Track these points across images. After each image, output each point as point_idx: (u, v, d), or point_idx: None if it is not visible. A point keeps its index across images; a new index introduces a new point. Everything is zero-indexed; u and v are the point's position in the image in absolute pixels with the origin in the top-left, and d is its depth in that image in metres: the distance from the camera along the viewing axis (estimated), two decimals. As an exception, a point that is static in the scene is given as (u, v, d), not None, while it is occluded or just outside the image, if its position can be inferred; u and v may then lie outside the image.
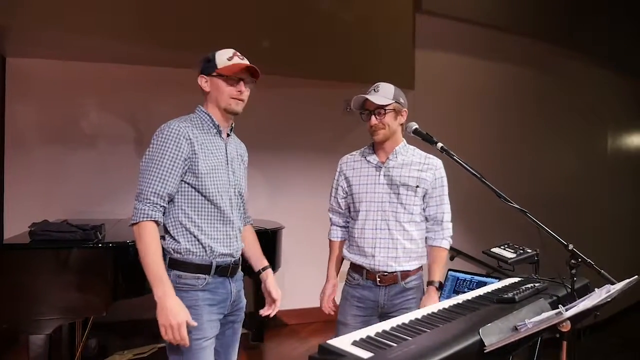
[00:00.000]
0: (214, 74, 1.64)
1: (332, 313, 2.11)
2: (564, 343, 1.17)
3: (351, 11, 3.96)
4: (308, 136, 4.47)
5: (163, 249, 1.56)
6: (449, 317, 1.29)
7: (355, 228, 2.00)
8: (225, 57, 1.64)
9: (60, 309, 2.26)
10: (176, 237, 1.60)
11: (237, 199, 1.73)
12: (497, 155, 4.93)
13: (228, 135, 1.74)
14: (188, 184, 1.60)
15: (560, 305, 1.20)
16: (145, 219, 1.52)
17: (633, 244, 6.15)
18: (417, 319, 1.28)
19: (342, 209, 2.10)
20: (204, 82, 1.66)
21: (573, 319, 1.06)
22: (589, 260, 1.46)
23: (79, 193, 3.74)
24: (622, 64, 6.00)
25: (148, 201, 1.53)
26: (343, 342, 1.08)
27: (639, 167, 6.61)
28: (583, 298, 1.15)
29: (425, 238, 2.03)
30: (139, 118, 3.92)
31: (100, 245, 2.39)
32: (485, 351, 1.08)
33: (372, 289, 1.96)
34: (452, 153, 1.75)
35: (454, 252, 4.37)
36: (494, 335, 1.11)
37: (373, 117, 1.92)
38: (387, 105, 1.91)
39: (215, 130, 1.68)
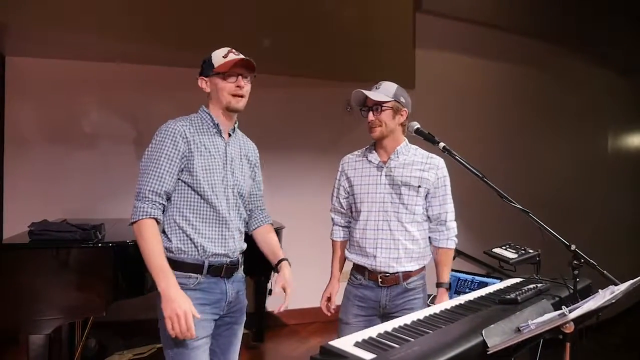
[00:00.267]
0: (212, 73, 1.65)
1: (328, 314, 2.10)
2: (567, 345, 1.16)
3: (352, 11, 3.95)
4: (309, 136, 4.46)
5: None
6: (451, 318, 1.29)
7: (357, 228, 1.99)
8: (220, 56, 1.65)
9: (59, 309, 2.25)
10: (169, 236, 1.61)
11: (236, 199, 1.71)
12: (497, 154, 4.92)
13: (230, 135, 1.72)
14: (184, 182, 1.61)
15: (563, 307, 1.19)
16: (144, 217, 1.53)
17: (633, 244, 6.14)
18: (419, 320, 1.27)
19: (343, 208, 2.09)
20: (204, 83, 1.68)
21: (577, 320, 1.06)
22: (591, 260, 1.46)
23: (78, 192, 3.73)
24: (622, 64, 6.00)
25: (146, 199, 1.54)
26: (345, 343, 1.08)
27: (639, 167, 6.61)
28: (587, 299, 1.14)
29: (430, 239, 2.01)
30: (139, 117, 3.91)
31: (99, 245, 2.38)
32: (488, 352, 1.08)
33: (374, 289, 1.95)
34: (454, 153, 1.74)
35: (454, 253, 4.36)
36: (496, 337, 1.11)
37: (370, 114, 1.92)
38: (384, 103, 1.90)
39: (215, 130, 1.68)
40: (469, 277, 2.25)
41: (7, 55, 3.60)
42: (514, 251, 1.88)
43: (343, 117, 4.43)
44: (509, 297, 1.43)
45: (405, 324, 1.23)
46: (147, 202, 1.54)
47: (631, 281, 1.20)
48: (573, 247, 1.47)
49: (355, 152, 2.09)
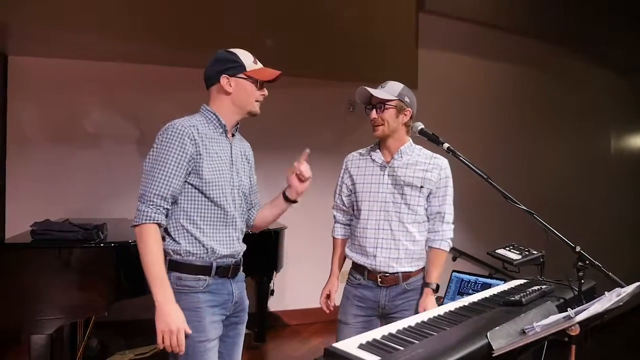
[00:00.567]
0: (242, 75, 1.62)
1: (327, 311, 2.11)
2: (573, 347, 1.15)
3: (354, 11, 3.94)
4: (311, 136, 4.44)
5: (163, 250, 1.55)
6: (455, 320, 1.28)
7: (358, 227, 1.99)
8: (250, 60, 1.64)
9: (61, 309, 2.25)
10: (176, 239, 1.58)
11: (240, 199, 1.71)
12: (499, 155, 4.92)
13: (233, 135, 1.72)
14: (191, 185, 1.58)
15: (569, 309, 1.18)
16: (147, 222, 1.50)
17: (635, 244, 6.12)
18: (423, 321, 1.26)
19: (345, 206, 2.10)
20: (226, 82, 1.62)
21: (583, 323, 1.05)
22: (596, 262, 1.45)
23: (81, 192, 3.73)
24: (623, 64, 5.98)
25: (151, 203, 1.51)
26: (349, 345, 1.07)
27: (641, 167, 6.59)
28: (593, 301, 1.13)
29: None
30: (141, 117, 3.91)
31: (102, 245, 2.38)
32: (493, 355, 1.07)
33: (373, 289, 1.95)
34: (458, 154, 1.73)
35: (456, 253, 4.35)
36: (501, 339, 1.10)
37: (373, 111, 1.92)
38: (388, 101, 1.90)
39: (221, 130, 1.66)
40: (472, 278, 2.24)
41: (10, 54, 3.60)
42: (517, 252, 1.87)
43: (345, 117, 4.42)
44: (513, 298, 1.42)
45: (410, 326, 1.22)
46: (151, 207, 1.51)
47: (637, 283, 1.19)
48: (578, 248, 1.46)
49: (360, 151, 2.09)
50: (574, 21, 5.26)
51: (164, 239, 1.61)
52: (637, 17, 5.40)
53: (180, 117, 1.62)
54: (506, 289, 1.67)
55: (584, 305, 1.17)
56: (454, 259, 4.31)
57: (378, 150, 2.01)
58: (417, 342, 1.10)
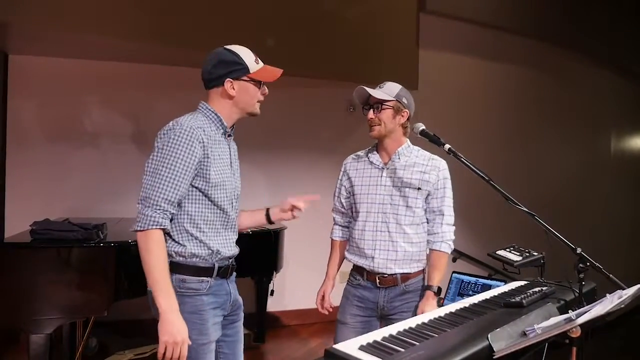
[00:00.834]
0: (246, 78, 1.59)
1: (326, 312, 2.11)
2: (574, 349, 1.15)
3: (355, 11, 3.94)
4: (310, 136, 4.45)
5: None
6: (456, 322, 1.28)
7: (356, 229, 1.99)
8: (252, 60, 1.60)
9: (61, 309, 2.25)
10: (180, 241, 1.55)
11: (237, 202, 1.70)
12: (499, 156, 4.91)
13: (230, 135, 1.69)
14: (197, 188, 1.54)
15: (569, 311, 1.18)
16: (154, 227, 1.44)
17: (635, 246, 6.12)
18: (424, 323, 1.26)
19: (344, 208, 2.10)
20: (229, 86, 1.57)
21: (584, 325, 1.04)
22: (597, 264, 1.45)
23: (80, 192, 3.72)
24: (625, 66, 5.98)
25: (158, 207, 1.45)
26: (349, 346, 1.07)
27: (641, 169, 6.59)
28: (594, 303, 1.13)
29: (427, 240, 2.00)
30: (141, 116, 3.90)
31: (101, 244, 2.37)
32: (494, 357, 1.07)
33: (372, 290, 1.95)
34: (459, 155, 1.73)
35: (456, 254, 4.35)
36: (502, 341, 1.10)
37: (371, 112, 1.92)
38: (385, 101, 1.90)
39: (222, 131, 1.63)
40: (473, 279, 2.23)
41: (10, 53, 3.60)
42: (518, 253, 1.86)
43: (345, 117, 4.42)
44: (514, 300, 1.42)
45: (410, 327, 1.22)
46: (157, 211, 1.45)
47: (638, 285, 1.19)
48: (579, 250, 1.45)
49: (358, 153, 2.10)
50: (574, 22, 5.26)
51: (165, 240, 1.58)
52: (638, 18, 5.40)
53: (179, 116, 1.57)
54: (507, 290, 1.67)
55: (585, 307, 1.17)
56: (454, 260, 4.31)
57: (376, 152, 2.01)
58: (417, 343, 1.10)
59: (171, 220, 1.53)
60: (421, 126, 1.87)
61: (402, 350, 1.05)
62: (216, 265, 1.59)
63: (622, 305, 1.06)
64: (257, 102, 1.65)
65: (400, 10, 4.28)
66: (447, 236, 1.97)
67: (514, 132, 5.26)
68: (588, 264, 1.43)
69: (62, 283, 2.25)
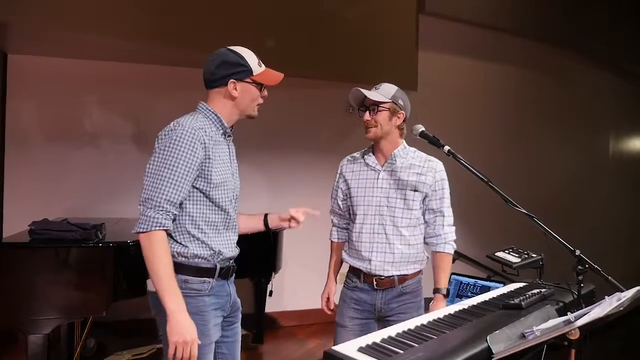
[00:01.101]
0: (249, 80, 1.60)
1: (329, 312, 2.12)
2: (573, 351, 1.15)
3: (354, 12, 3.94)
4: (309, 137, 4.45)
5: None
6: (455, 323, 1.28)
7: (353, 232, 1.99)
8: (255, 63, 1.61)
9: (59, 309, 2.24)
10: (183, 242, 1.55)
11: (236, 202, 1.71)
12: (498, 157, 4.92)
13: (229, 136, 1.70)
14: (198, 189, 1.54)
15: (568, 313, 1.18)
16: (157, 228, 1.44)
17: (634, 248, 6.13)
18: (423, 325, 1.26)
19: (341, 210, 2.09)
20: (232, 87, 1.58)
21: (583, 327, 1.05)
22: (596, 266, 1.45)
23: (79, 192, 3.72)
24: (624, 66, 6.00)
25: (161, 209, 1.45)
26: (348, 348, 1.07)
27: (640, 170, 6.60)
28: (593, 306, 1.13)
29: (428, 243, 2.00)
30: (140, 117, 3.90)
31: (100, 244, 2.37)
32: (493, 359, 1.07)
33: (370, 292, 1.95)
34: (459, 157, 1.73)
35: (455, 255, 4.35)
36: (501, 343, 1.10)
37: (367, 113, 1.92)
38: (381, 103, 1.89)
39: (222, 132, 1.63)
40: (472, 280, 2.24)
41: (10, 53, 3.59)
42: (517, 255, 1.86)
43: (344, 118, 4.42)
44: (513, 302, 1.42)
45: (409, 329, 1.22)
46: (161, 212, 1.45)
47: (638, 287, 1.19)
48: (578, 252, 1.45)
49: (354, 154, 2.09)
50: (574, 23, 5.27)
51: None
52: (638, 19, 5.41)
53: (179, 117, 1.57)
54: (506, 292, 1.67)
55: (583, 310, 1.17)
56: (453, 261, 4.32)
57: (372, 154, 2.00)
58: (417, 345, 1.10)
59: (173, 221, 1.53)
60: (420, 128, 1.87)
61: (401, 352, 1.05)
62: (218, 266, 1.60)
63: (621, 308, 1.06)
64: (257, 105, 1.66)
65: (399, 12, 4.28)
66: (449, 237, 1.97)
67: (513, 133, 5.27)
68: (587, 265, 1.43)
69: (61, 283, 2.24)
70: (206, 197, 1.55)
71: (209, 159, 1.53)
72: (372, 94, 1.90)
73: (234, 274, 1.74)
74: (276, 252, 3.46)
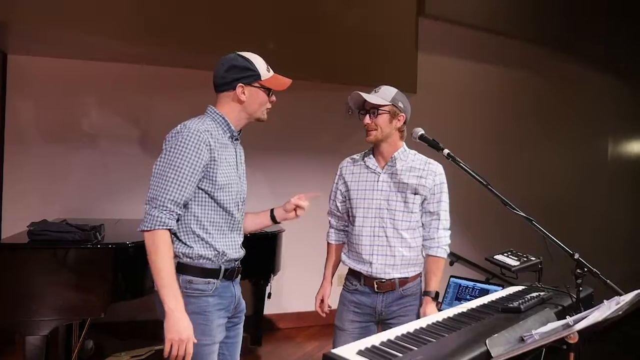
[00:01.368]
0: (257, 85, 1.63)
1: (323, 315, 2.11)
2: (571, 355, 1.15)
3: (354, 14, 3.95)
4: (310, 139, 4.45)
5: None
6: (454, 327, 1.28)
7: (353, 234, 1.98)
8: (264, 68, 1.65)
9: (57, 310, 2.23)
10: (187, 243, 1.57)
11: (243, 204, 1.73)
12: (497, 159, 4.92)
13: (237, 139, 1.72)
14: (203, 190, 1.57)
15: (567, 316, 1.18)
16: (161, 227, 1.48)
17: (632, 251, 6.13)
18: (422, 328, 1.26)
19: (340, 212, 2.09)
20: (241, 91, 1.62)
21: (582, 331, 1.05)
22: (595, 270, 1.45)
23: (78, 193, 3.71)
24: (623, 69, 6.01)
25: (165, 208, 1.49)
26: (347, 351, 1.07)
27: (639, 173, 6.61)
28: (592, 310, 1.14)
29: (422, 245, 2.00)
30: (140, 117, 3.90)
31: (99, 246, 2.36)
32: (491, 362, 1.07)
33: (370, 295, 1.94)
34: (458, 160, 1.73)
35: (453, 258, 4.35)
36: (500, 347, 1.10)
37: (367, 117, 1.92)
38: (381, 106, 1.89)
39: (229, 135, 1.66)
40: (470, 283, 2.23)
41: (9, 53, 3.59)
42: (515, 258, 1.87)
43: (344, 120, 4.41)
44: (511, 305, 1.42)
45: (409, 332, 1.22)
46: (164, 212, 1.48)
47: (637, 291, 1.19)
48: (577, 255, 1.46)
49: (354, 156, 2.09)
50: (572, 26, 5.28)
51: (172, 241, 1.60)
52: (636, 21, 5.42)
53: (183, 118, 1.60)
54: (504, 295, 1.67)
55: (582, 313, 1.17)
56: (451, 264, 4.32)
57: (372, 156, 2.00)
58: (415, 348, 1.10)
59: (178, 221, 1.55)
60: (420, 131, 1.87)
61: (400, 355, 1.05)
62: (222, 267, 1.61)
63: (620, 312, 1.06)
64: (266, 109, 1.69)
65: (399, 14, 4.29)
66: (443, 241, 1.96)
67: (513, 136, 5.27)
68: (585, 269, 1.43)
69: (59, 284, 2.24)
70: (211, 198, 1.58)
71: (214, 161, 1.55)
72: (372, 98, 1.90)
73: (240, 275, 1.75)
74: (275, 254, 3.46)
